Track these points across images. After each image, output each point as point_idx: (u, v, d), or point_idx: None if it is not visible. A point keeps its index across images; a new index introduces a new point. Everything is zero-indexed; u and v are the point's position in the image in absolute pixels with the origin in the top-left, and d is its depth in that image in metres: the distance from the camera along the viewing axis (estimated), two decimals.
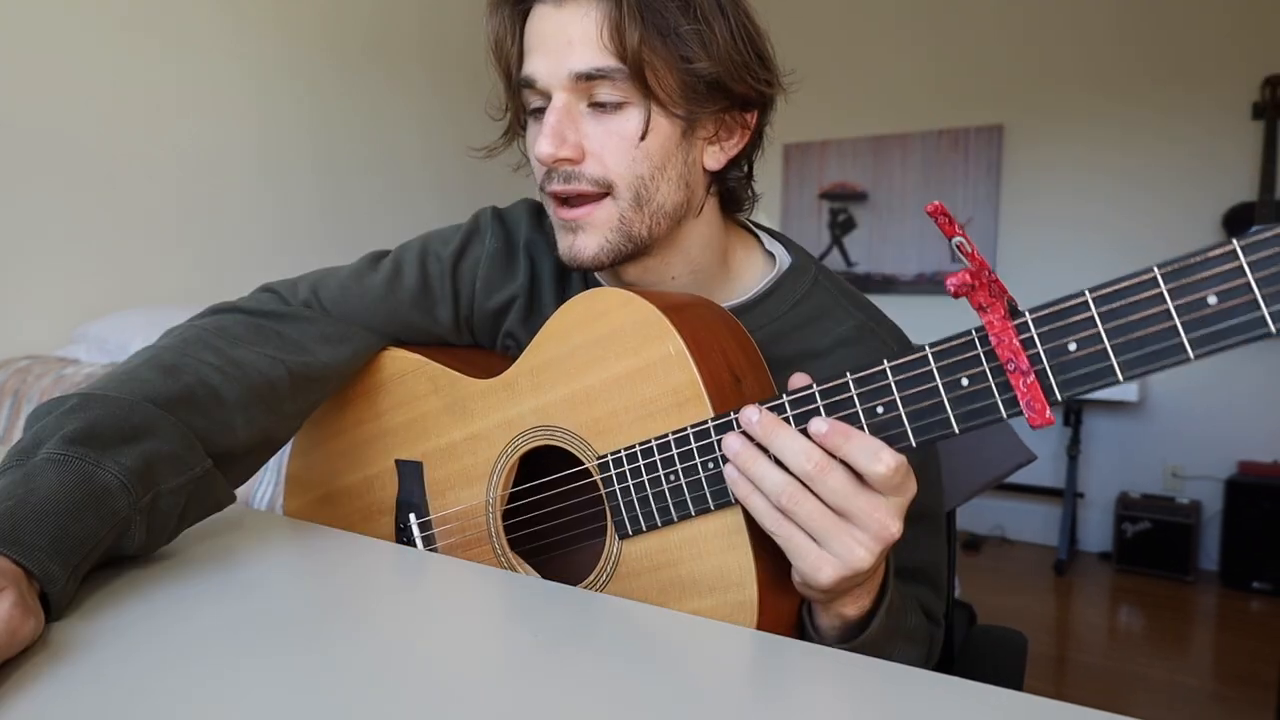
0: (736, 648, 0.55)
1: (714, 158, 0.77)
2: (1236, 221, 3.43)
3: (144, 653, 0.47)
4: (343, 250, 3.32)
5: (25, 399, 2.28)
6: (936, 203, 0.49)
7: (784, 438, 0.57)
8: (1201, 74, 3.50)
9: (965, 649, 0.85)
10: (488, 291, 0.87)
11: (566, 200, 0.74)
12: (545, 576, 0.74)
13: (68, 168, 2.53)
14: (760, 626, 0.61)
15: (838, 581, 0.57)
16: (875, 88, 4.09)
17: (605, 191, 0.73)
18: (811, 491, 0.56)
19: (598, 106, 0.71)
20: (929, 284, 4.06)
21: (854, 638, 0.64)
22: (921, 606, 0.76)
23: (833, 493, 0.55)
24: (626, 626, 0.57)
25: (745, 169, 0.82)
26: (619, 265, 0.78)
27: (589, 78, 0.69)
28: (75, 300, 2.57)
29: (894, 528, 0.55)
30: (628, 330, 0.68)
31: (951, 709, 0.44)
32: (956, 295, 0.46)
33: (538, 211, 0.89)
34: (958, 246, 0.51)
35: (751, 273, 0.84)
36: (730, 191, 0.82)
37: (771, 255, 0.85)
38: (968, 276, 0.45)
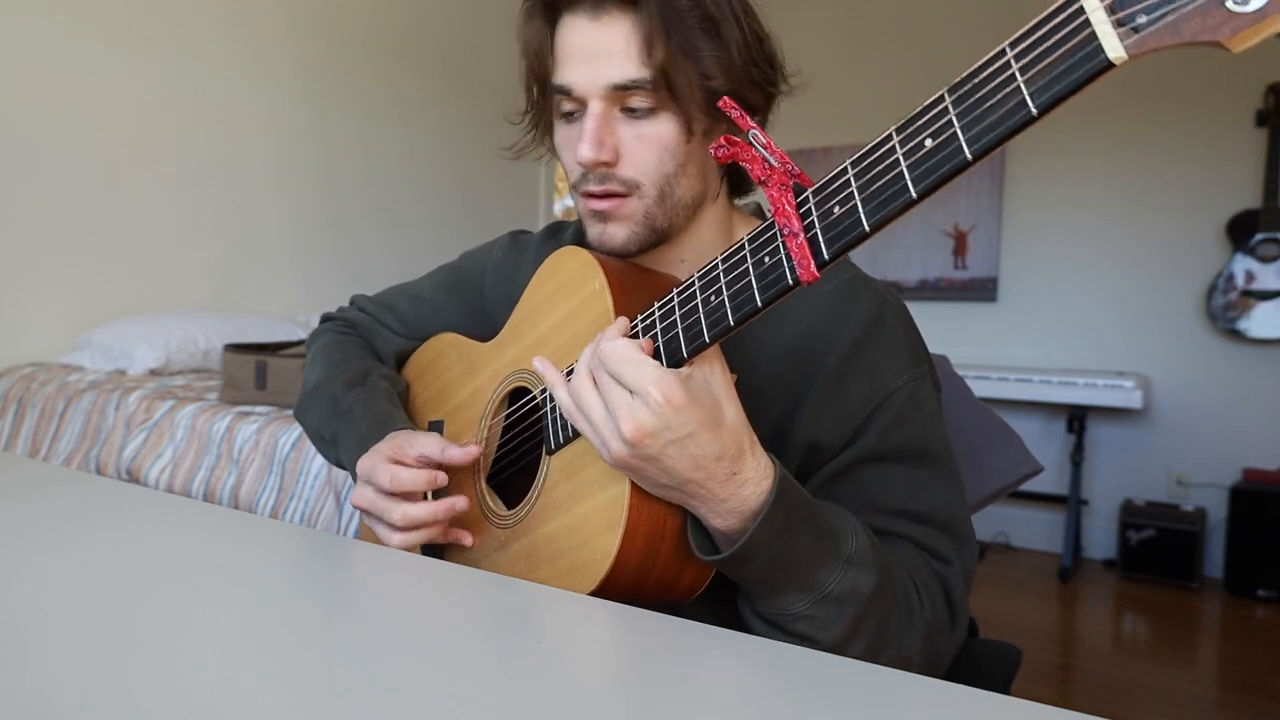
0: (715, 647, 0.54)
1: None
2: (1240, 228, 3.41)
3: (144, 651, 0.49)
4: (347, 258, 3.44)
5: (29, 405, 2.28)
6: (725, 98, 0.54)
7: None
8: (1205, 82, 3.50)
9: (955, 661, 0.82)
10: (496, 294, 1.00)
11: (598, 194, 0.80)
12: (509, 504, 0.81)
13: (72, 175, 2.57)
14: (629, 521, 0.65)
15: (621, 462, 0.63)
16: (877, 94, 4.12)
17: (633, 190, 0.78)
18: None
19: (629, 112, 0.77)
20: (932, 290, 4.07)
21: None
22: (922, 545, 0.76)
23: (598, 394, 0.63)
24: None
25: None
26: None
27: (623, 88, 0.75)
28: (79, 308, 2.60)
29: (626, 428, 0.60)
30: (571, 278, 0.78)
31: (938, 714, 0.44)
32: (721, 160, 0.50)
33: (556, 230, 1.01)
34: (754, 138, 0.56)
35: None
36: (740, 176, 0.88)
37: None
38: (722, 140, 0.49)
